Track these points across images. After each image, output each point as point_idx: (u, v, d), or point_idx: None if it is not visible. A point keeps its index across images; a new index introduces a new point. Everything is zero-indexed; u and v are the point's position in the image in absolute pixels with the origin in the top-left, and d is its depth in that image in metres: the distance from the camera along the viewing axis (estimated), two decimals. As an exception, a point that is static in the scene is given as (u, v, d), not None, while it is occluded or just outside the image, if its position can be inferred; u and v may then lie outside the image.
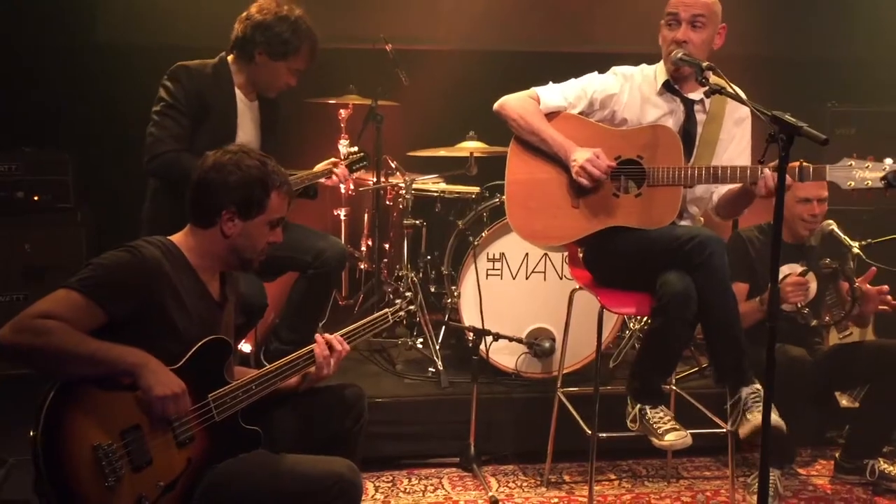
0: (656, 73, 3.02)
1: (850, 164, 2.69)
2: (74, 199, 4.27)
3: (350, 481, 2.17)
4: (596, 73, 3.06)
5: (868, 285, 3.35)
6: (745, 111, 3.00)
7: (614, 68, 3.07)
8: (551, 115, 3.00)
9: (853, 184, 2.68)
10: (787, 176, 2.24)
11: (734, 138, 3.02)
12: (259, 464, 2.19)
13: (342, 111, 4.64)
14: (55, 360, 1.95)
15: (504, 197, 3.04)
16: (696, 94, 2.99)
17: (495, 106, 3.05)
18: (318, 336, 2.38)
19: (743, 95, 2.51)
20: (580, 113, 3.01)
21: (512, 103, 3.01)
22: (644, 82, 3.02)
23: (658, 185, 2.86)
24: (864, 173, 2.67)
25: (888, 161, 2.66)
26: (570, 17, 5.20)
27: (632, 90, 3.01)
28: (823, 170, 2.73)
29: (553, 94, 3.00)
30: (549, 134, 2.94)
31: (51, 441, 1.91)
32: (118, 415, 2.00)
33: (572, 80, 3.05)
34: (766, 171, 2.71)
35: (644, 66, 3.08)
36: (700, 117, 3.00)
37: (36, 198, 4.22)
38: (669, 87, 3.00)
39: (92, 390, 1.98)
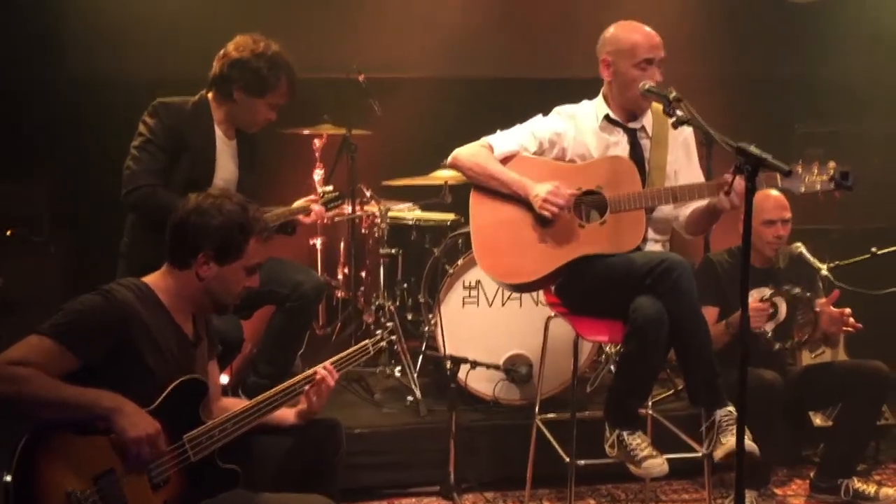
0: (596, 107, 3.08)
1: (799, 171, 2.74)
2: (48, 233, 4.25)
3: (328, 520, 2.17)
4: (540, 115, 3.12)
5: (832, 308, 3.39)
6: (687, 133, 3.09)
7: (556, 109, 3.12)
8: (506, 160, 3.03)
9: (804, 188, 2.75)
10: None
11: (680, 160, 3.09)
12: (237, 504, 2.18)
13: (316, 141, 4.65)
14: (29, 407, 1.95)
15: (473, 245, 3.02)
16: (637, 123, 3.06)
17: (448, 160, 3.07)
18: (317, 369, 2.38)
19: (708, 127, 2.54)
20: (533, 154, 3.05)
21: (465, 154, 3.03)
22: (586, 119, 3.08)
23: (621, 211, 2.91)
24: (813, 177, 2.74)
25: (831, 164, 2.73)
26: (546, 44, 5.19)
27: (576, 127, 3.06)
28: (775, 178, 2.79)
29: (505, 141, 3.04)
30: (508, 175, 2.97)
31: (24, 486, 1.89)
32: (92, 459, 1.99)
33: (518, 125, 3.09)
34: (727, 178, 2.77)
35: (585, 102, 3.14)
36: (645, 143, 3.07)
37: (9, 232, 4.20)
38: (610, 120, 3.06)
39: (66, 435, 1.97)
